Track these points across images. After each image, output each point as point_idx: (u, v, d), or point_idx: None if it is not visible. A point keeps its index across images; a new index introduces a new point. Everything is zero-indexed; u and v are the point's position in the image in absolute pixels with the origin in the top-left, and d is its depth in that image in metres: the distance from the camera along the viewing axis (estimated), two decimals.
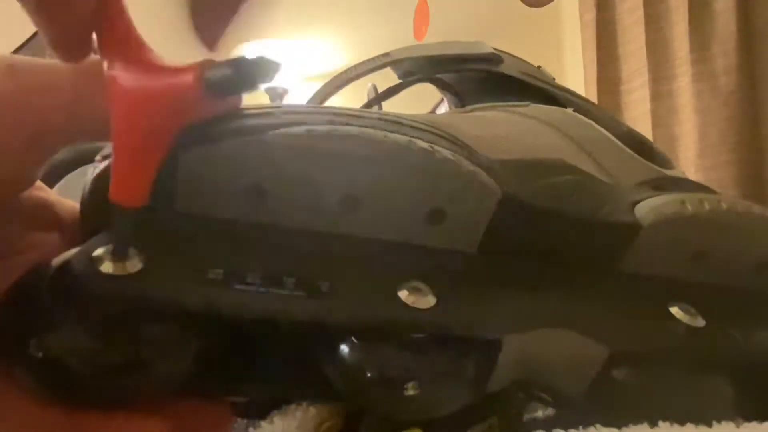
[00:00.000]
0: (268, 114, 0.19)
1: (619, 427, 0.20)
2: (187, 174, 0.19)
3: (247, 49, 2.10)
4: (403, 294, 0.19)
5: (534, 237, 0.22)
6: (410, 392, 0.19)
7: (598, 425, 0.20)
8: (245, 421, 0.27)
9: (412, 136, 0.20)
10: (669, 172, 0.27)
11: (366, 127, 0.19)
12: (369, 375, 0.19)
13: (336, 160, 0.19)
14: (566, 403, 0.22)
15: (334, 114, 0.20)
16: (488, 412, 0.23)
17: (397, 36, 1.54)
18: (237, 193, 0.19)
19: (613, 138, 0.26)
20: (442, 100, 0.33)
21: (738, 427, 0.20)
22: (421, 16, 1.62)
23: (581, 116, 0.27)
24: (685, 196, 0.23)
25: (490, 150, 0.22)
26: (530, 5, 1.54)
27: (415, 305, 0.19)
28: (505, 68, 0.30)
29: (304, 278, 0.19)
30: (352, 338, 0.19)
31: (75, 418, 0.17)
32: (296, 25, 2.03)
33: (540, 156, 0.23)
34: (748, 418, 0.21)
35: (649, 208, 0.22)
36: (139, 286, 0.17)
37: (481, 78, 0.31)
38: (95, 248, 0.17)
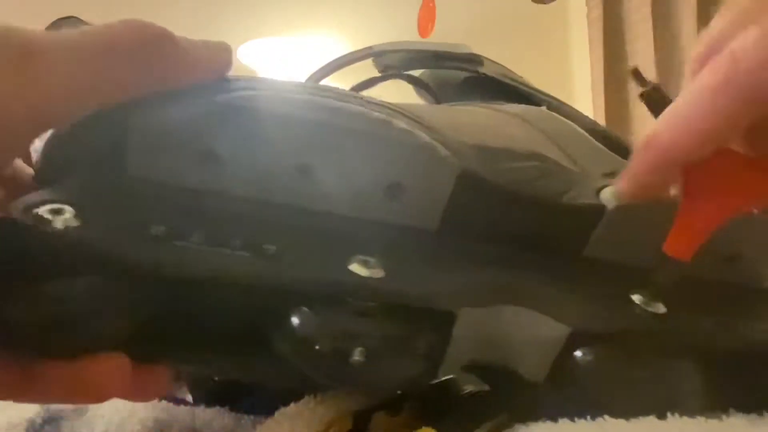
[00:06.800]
0: (222, 81, 0.19)
1: (627, 419, 0.20)
2: (137, 137, 0.19)
3: (249, 48, 2.10)
4: (352, 266, 0.19)
5: (496, 218, 0.22)
6: (357, 358, 0.19)
7: (606, 416, 0.20)
8: (251, 417, 0.27)
9: (370, 109, 0.20)
10: None
11: (321, 96, 0.19)
12: (315, 338, 0.19)
13: (289, 124, 0.19)
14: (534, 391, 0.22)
15: (292, 84, 0.20)
16: (498, 410, 0.23)
17: (401, 33, 1.53)
18: (189, 157, 0.19)
19: (582, 131, 0.26)
20: None
21: (750, 421, 0.20)
22: (427, 13, 1.61)
23: (553, 112, 0.27)
24: None
25: (458, 134, 0.22)
26: (537, 2, 1.53)
27: (362, 275, 0.19)
28: (485, 69, 0.31)
29: (249, 240, 0.18)
30: (299, 302, 0.19)
31: (30, 367, 0.17)
32: (299, 22, 2.03)
33: (509, 144, 0.23)
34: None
35: (613, 192, 0.22)
36: (77, 241, 0.17)
37: (458, 80, 0.31)
38: (33, 204, 0.17)
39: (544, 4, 1.51)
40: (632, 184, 0.21)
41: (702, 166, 0.20)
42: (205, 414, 0.27)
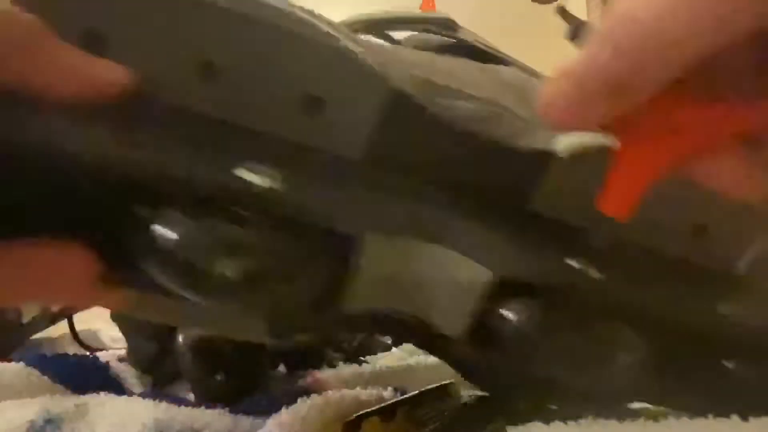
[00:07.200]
0: None
1: (620, 421, 0.20)
2: None
3: None
4: (238, 171, 0.17)
5: (433, 155, 0.19)
6: (229, 273, 0.17)
7: (599, 419, 0.20)
8: (250, 419, 0.27)
9: (296, 10, 0.18)
10: None
11: None
12: (184, 244, 0.17)
13: (194, 12, 0.17)
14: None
15: None
16: (495, 415, 0.23)
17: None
18: (75, 37, 0.16)
19: None
20: None
21: (744, 420, 0.20)
22: (428, 7, 1.61)
23: (528, 75, 0.25)
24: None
25: (407, 66, 0.20)
26: (537, 2, 1.53)
27: (251, 180, 0.17)
28: (462, 35, 0.30)
29: (115, 127, 0.16)
30: (170, 203, 0.17)
31: None
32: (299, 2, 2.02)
33: (463, 86, 0.20)
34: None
35: (569, 140, 0.20)
36: None
37: (434, 46, 0.30)
38: None
39: (544, 3, 1.51)
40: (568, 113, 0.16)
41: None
42: (204, 415, 0.27)
